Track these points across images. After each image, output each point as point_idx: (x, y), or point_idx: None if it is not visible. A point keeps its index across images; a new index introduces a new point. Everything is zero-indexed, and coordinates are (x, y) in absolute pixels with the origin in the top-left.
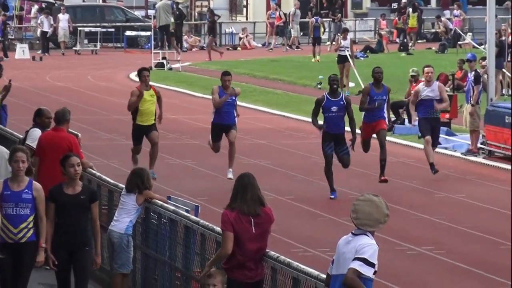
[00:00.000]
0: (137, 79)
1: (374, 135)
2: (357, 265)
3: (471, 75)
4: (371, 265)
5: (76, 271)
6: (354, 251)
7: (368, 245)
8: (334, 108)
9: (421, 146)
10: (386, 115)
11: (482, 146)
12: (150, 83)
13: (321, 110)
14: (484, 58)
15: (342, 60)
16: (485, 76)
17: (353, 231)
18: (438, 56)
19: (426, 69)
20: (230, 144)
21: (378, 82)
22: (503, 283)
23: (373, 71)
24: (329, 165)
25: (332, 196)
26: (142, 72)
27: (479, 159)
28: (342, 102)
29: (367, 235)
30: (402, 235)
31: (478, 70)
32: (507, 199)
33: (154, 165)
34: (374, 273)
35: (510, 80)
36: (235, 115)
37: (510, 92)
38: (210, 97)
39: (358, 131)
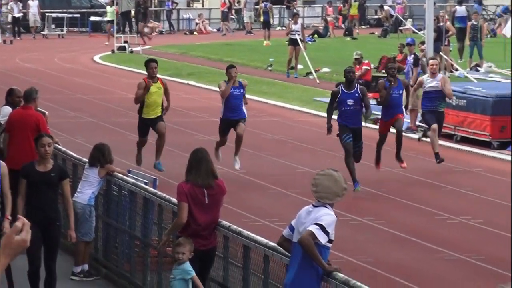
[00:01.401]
0: (100, 61)
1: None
2: (314, 228)
3: (410, 58)
4: (326, 233)
5: (47, 246)
6: (314, 221)
7: (327, 215)
8: (350, 101)
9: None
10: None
11: (421, 124)
12: (158, 75)
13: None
14: (423, 43)
15: (293, 43)
16: (424, 59)
17: (313, 203)
18: (380, 40)
19: (431, 61)
20: (238, 136)
21: (392, 77)
22: (438, 251)
23: (386, 67)
24: (349, 154)
25: (356, 187)
26: (150, 64)
27: (416, 136)
28: (357, 94)
29: (326, 207)
30: (346, 207)
31: (417, 54)
32: (442, 173)
33: (160, 157)
34: (330, 242)
35: (447, 63)
36: (244, 107)
37: (447, 74)
38: (171, 78)
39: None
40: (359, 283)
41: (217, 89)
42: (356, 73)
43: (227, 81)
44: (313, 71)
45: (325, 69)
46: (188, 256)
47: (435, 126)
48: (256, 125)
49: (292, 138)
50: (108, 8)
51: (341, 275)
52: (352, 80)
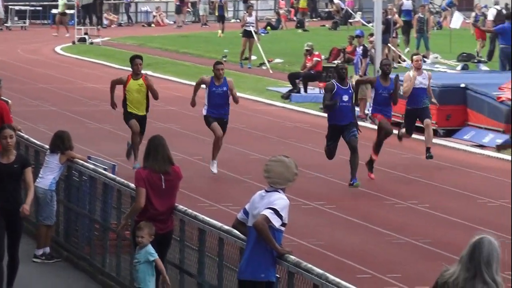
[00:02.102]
0: (62, 52)
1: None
2: (268, 213)
3: (359, 49)
4: (280, 216)
5: (10, 235)
6: (267, 206)
7: (280, 199)
8: (345, 97)
9: (316, 112)
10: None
11: (368, 112)
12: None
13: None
14: (372, 34)
15: (247, 35)
16: (373, 50)
17: (266, 188)
18: (330, 32)
19: (415, 57)
20: (218, 138)
21: (386, 75)
22: (387, 234)
23: (380, 63)
24: (330, 158)
25: (355, 182)
26: (134, 60)
27: (367, 124)
28: (350, 91)
29: (278, 192)
30: (298, 192)
31: (366, 45)
32: (391, 160)
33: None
34: (283, 225)
35: (395, 54)
36: (229, 106)
37: (395, 65)
38: (129, 69)
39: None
40: (310, 265)
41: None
42: (307, 64)
43: (213, 77)
44: (266, 62)
45: (278, 60)
46: (148, 239)
47: (405, 131)
48: None
49: (245, 126)
50: (60, 1)
51: (293, 257)
52: (345, 77)
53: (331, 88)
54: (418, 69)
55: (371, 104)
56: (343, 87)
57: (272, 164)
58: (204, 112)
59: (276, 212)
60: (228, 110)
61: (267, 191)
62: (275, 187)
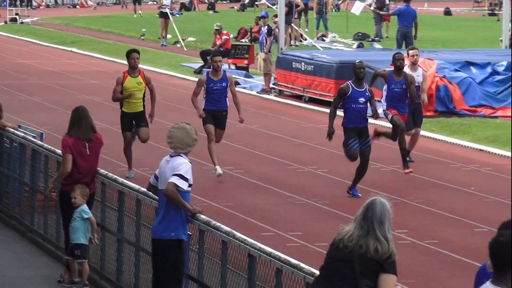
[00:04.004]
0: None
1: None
2: (175, 179)
3: (264, 29)
4: (185, 179)
5: None
6: (172, 170)
7: (183, 164)
8: (361, 99)
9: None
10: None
11: (274, 86)
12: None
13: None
14: (276, 16)
15: (163, 16)
16: (277, 30)
17: (170, 154)
18: (239, 13)
19: (411, 52)
20: (216, 136)
21: (399, 70)
22: (289, 196)
23: (393, 57)
24: (352, 161)
25: (354, 194)
26: (131, 54)
27: (271, 97)
28: (367, 94)
29: (181, 156)
30: (208, 157)
31: (270, 25)
32: (293, 129)
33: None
34: (190, 186)
35: (297, 33)
36: (227, 101)
37: (297, 43)
38: (56, 46)
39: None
40: (219, 224)
41: (97, 55)
42: (217, 42)
43: (211, 70)
44: (180, 40)
45: (191, 38)
46: (81, 199)
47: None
48: None
49: (161, 98)
50: None
51: (203, 216)
52: (363, 77)
53: (344, 93)
54: (414, 64)
55: (385, 100)
56: (358, 89)
57: (174, 131)
58: (203, 107)
59: (181, 176)
60: (227, 103)
61: (171, 156)
62: (177, 151)
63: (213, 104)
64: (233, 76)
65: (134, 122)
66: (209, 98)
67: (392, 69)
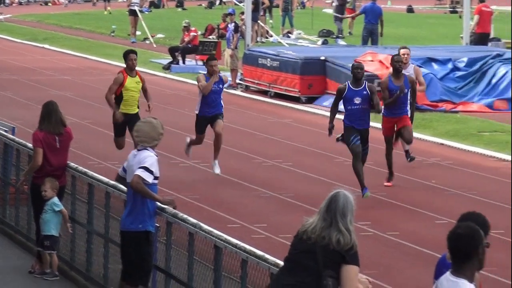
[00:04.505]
0: None
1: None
2: (140, 172)
3: (231, 26)
4: (151, 172)
5: None
6: (138, 163)
7: (148, 157)
8: (357, 100)
9: (192, 81)
10: (409, 109)
11: (240, 82)
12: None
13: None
14: (242, 13)
15: (133, 13)
16: (243, 27)
17: (138, 147)
18: (207, 11)
19: (402, 50)
20: (217, 135)
21: (397, 73)
22: (255, 189)
23: (392, 59)
24: (358, 157)
25: (366, 193)
26: (129, 55)
27: (238, 92)
28: (365, 92)
29: (148, 150)
30: (179, 152)
31: (237, 22)
32: (258, 124)
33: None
34: (156, 178)
35: (263, 30)
36: (222, 104)
37: (263, 40)
38: (29, 42)
39: (378, 125)
40: (186, 216)
41: (69, 52)
42: (185, 39)
43: (206, 74)
44: (150, 37)
45: (160, 35)
46: (51, 192)
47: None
48: (99, 83)
49: None
50: None
51: (170, 208)
52: (360, 77)
53: (341, 92)
54: (405, 63)
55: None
56: (355, 89)
57: (141, 125)
58: (197, 111)
59: (146, 169)
60: (222, 105)
61: (138, 150)
62: (144, 145)
63: (209, 108)
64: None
65: (127, 126)
66: (205, 101)
67: (390, 73)
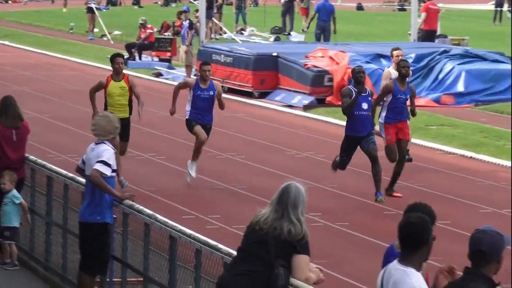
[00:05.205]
0: None
1: None
2: (98, 166)
3: (186, 23)
4: (108, 165)
5: None
6: (96, 157)
7: (105, 150)
8: (364, 105)
9: (148, 77)
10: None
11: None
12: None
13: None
14: (197, 10)
15: (90, 11)
16: (198, 24)
17: (96, 141)
18: (163, 8)
19: (395, 52)
20: (201, 142)
21: (403, 78)
22: (208, 181)
23: (398, 65)
24: (341, 169)
25: (379, 197)
26: (115, 59)
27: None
28: (370, 98)
29: (105, 143)
30: (143, 147)
31: (191, 19)
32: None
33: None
34: (113, 171)
35: (217, 27)
36: (213, 112)
37: (217, 37)
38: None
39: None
40: (142, 207)
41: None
42: (141, 36)
43: (199, 79)
44: (107, 34)
45: (117, 32)
46: (9, 185)
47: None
48: (58, 78)
49: (87, 89)
50: None
51: (127, 200)
52: (363, 82)
53: (349, 94)
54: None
55: (386, 110)
56: (361, 94)
57: (98, 119)
58: (187, 116)
59: (104, 163)
60: (212, 116)
61: (96, 144)
62: (100, 139)
63: (199, 115)
64: (156, 68)
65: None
66: (195, 107)
67: (397, 77)
